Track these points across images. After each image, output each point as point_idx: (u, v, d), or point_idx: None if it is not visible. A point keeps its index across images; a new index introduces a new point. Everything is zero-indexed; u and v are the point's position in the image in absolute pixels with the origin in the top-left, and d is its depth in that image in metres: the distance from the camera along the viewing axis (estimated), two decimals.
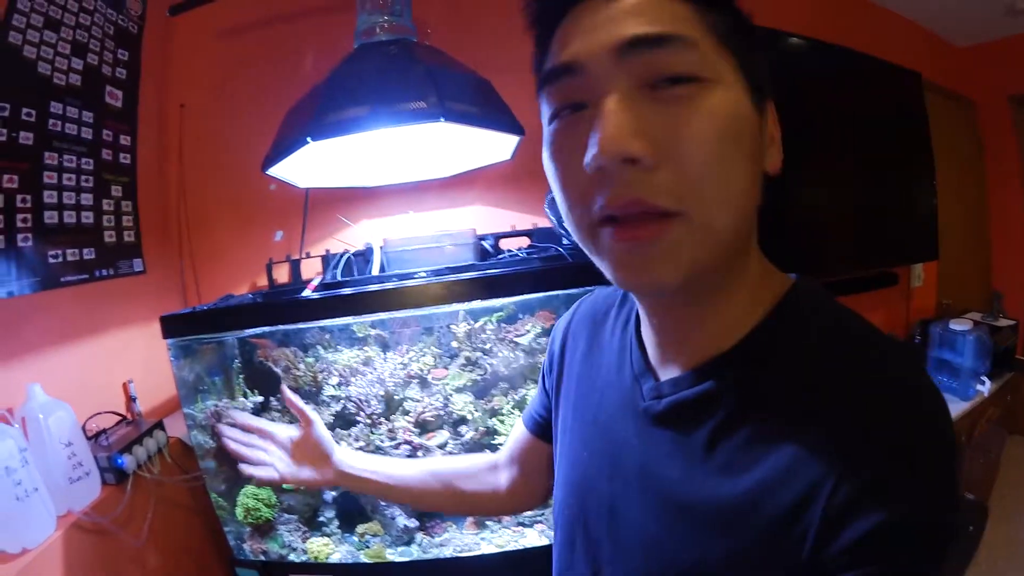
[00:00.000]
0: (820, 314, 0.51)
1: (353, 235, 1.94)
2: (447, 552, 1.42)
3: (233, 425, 0.96)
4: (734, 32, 0.46)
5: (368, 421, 1.42)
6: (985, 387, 2.25)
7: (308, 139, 1.19)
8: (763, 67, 0.49)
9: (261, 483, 0.94)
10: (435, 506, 1.01)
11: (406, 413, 1.43)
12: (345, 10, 1.63)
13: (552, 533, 0.73)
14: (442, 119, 1.17)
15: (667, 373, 0.56)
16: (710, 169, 0.43)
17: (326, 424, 1.38)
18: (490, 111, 1.34)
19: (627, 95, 0.43)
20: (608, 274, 0.49)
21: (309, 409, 0.95)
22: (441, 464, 0.97)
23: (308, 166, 1.48)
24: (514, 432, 0.90)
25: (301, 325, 1.39)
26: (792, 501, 0.43)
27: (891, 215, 2.25)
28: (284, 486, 1.40)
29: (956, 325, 2.32)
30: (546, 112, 0.50)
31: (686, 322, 0.53)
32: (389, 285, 1.32)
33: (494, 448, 1.43)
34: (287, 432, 0.96)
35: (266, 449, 0.95)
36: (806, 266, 0.57)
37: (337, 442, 1.38)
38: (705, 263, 0.45)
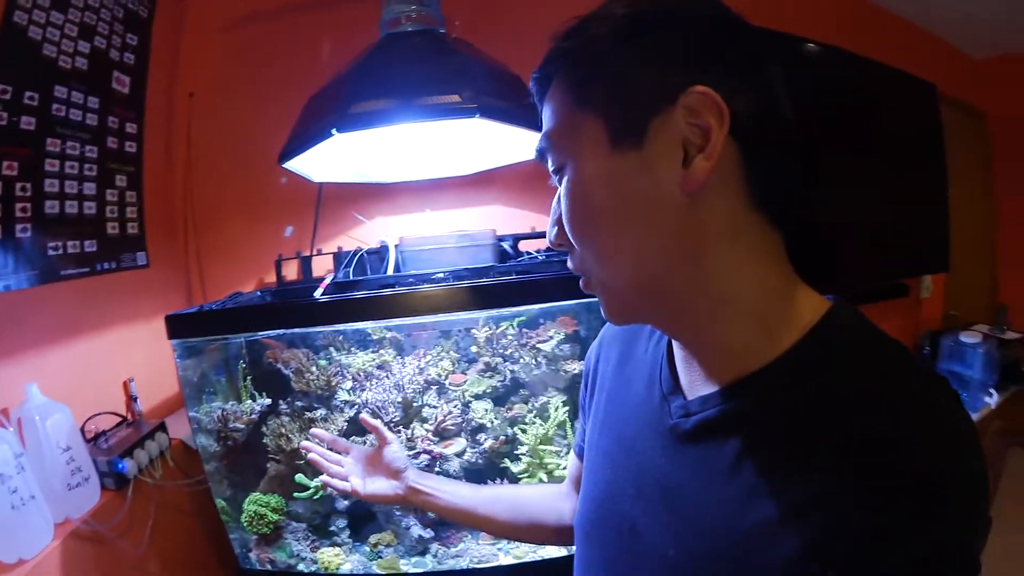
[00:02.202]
0: (855, 340, 0.49)
1: (367, 232, 1.88)
2: (463, 563, 1.38)
3: (314, 438, 1.03)
4: (594, 82, 0.50)
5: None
6: (993, 399, 2.26)
7: (333, 131, 1.14)
8: (646, 83, 0.48)
9: (338, 493, 1.05)
10: (501, 532, 1.00)
11: (424, 421, 1.39)
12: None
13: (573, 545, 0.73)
14: (478, 115, 1.13)
15: (696, 392, 0.55)
16: (583, 242, 0.54)
17: (339, 431, 1.35)
18: (523, 107, 1.29)
19: (555, 188, 0.56)
20: None
21: (384, 428, 0.99)
22: (508, 491, 1.02)
23: (326, 159, 1.43)
24: (569, 460, 0.91)
25: (316, 329, 1.34)
26: (814, 536, 0.42)
27: (905, 227, 2.25)
28: (295, 493, 1.35)
29: (966, 338, 2.32)
30: None
31: (690, 346, 0.55)
32: (408, 288, 1.27)
33: (514, 458, 1.40)
34: (364, 449, 1.02)
35: (342, 463, 0.99)
36: (820, 278, 0.56)
37: None
38: (630, 307, 0.55)
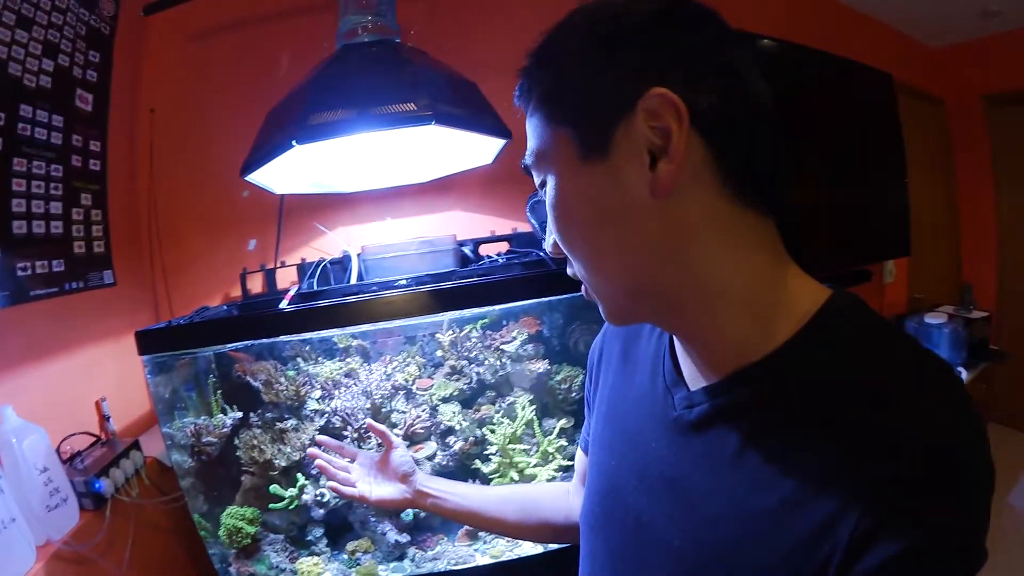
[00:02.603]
0: (855, 328, 0.49)
1: (329, 243, 1.89)
2: (441, 566, 1.38)
3: (319, 445, 1.04)
4: (561, 95, 0.51)
5: (356, 436, 1.38)
6: (962, 377, 2.31)
7: (293, 143, 1.15)
8: (606, 91, 0.48)
9: (345, 498, 1.01)
10: (510, 532, 1.00)
11: (394, 426, 1.40)
12: (321, 11, 1.60)
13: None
14: (433, 122, 1.14)
15: (699, 383, 0.55)
16: (571, 250, 0.55)
17: (312, 441, 1.35)
18: (478, 114, 1.31)
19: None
20: None
21: (390, 432, 1.00)
22: (517, 491, 1.02)
23: (287, 171, 1.43)
24: (577, 456, 0.91)
25: (286, 338, 1.35)
26: (819, 521, 0.42)
27: (864, 214, 2.29)
28: (270, 504, 1.36)
29: (931, 319, 2.38)
30: None
31: (689, 339, 0.56)
32: (374, 295, 1.28)
33: (484, 459, 1.41)
34: (370, 454, 1.02)
35: (349, 469, 0.99)
36: None
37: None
38: (625, 309, 0.56)
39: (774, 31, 1.97)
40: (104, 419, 1.55)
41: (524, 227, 1.81)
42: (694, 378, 0.56)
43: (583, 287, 0.58)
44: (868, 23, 2.67)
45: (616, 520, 0.62)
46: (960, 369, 2.31)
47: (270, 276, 1.75)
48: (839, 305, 0.50)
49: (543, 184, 0.55)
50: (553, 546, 1.40)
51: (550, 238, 0.57)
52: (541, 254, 1.54)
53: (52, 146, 1.44)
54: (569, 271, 0.58)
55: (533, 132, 0.54)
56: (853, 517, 0.41)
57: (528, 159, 0.56)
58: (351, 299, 1.27)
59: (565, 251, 0.56)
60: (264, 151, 1.26)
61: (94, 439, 1.45)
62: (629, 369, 0.68)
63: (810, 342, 0.48)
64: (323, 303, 1.28)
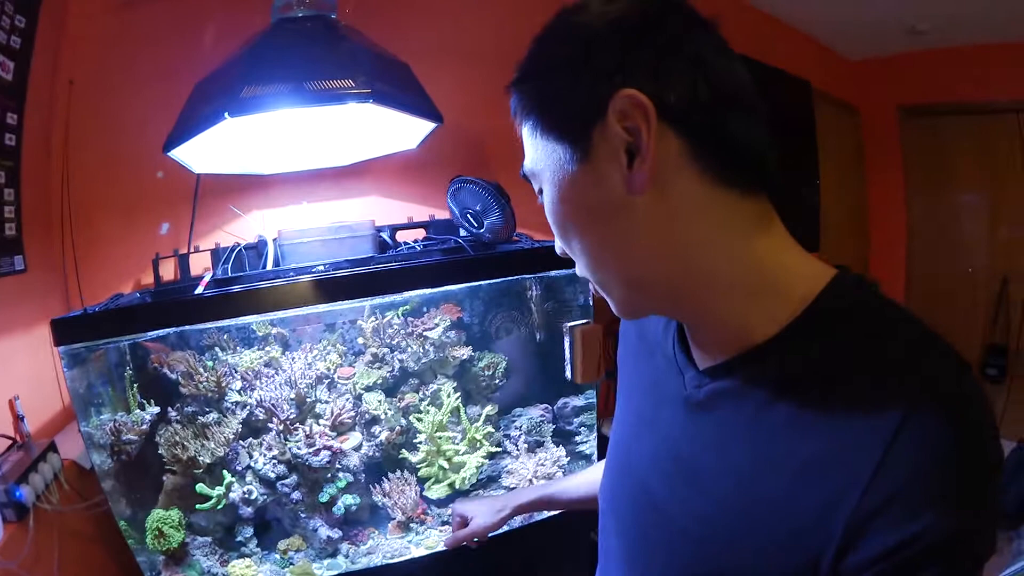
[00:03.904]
0: (862, 311, 0.49)
1: (244, 227, 1.81)
2: (377, 560, 1.36)
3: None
4: (547, 101, 0.52)
5: (281, 428, 1.34)
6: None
7: (226, 114, 1.11)
8: (580, 91, 0.49)
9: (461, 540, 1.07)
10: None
11: (318, 417, 1.37)
12: None
13: None
14: (371, 100, 1.13)
15: (707, 364, 0.56)
16: (574, 251, 0.56)
17: (236, 434, 1.32)
18: (413, 95, 1.31)
19: None
20: None
21: (460, 522, 1.08)
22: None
23: (210, 148, 1.39)
24: None
25: (207, 325, 1.30)
26: (820, 503, 0.43)
27: (777, 210, 2.40)
28: (197, 505, 1.33)
29: None
30: None
31: (694, 325, 0.57)
32: (292, 280, 1.25)
33: (412, 448, 1.41)
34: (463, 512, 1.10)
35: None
36: None
37: (248, 454, 1.31)
38: (638, 303, 0.57)
39: None
40: (18, 419, 1.45)
41: (442, 213, 1.79)
42: (703, 360, 0.56)
43: (591, 285, 0.59)
44: (792, 34, 2.80)
45: (629, 496, 0.64)
46: None
47: (183, 262, 1.67)
48: (844, 285, 0.50)
49: (541, 192, 0.56)
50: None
51: (558, 241, 0.58)
52: (459, 240, 1.54)
53: None
54: (578, 271, 0.59)
55: (527, 143, 0.56)
56: (853, 500, 0.41)
57: (525, 169, 0.57)
58: (272, 283, 1.24)
59: (569, 252, 0.57)
60: (191, 124, 1.22)
61: (10, 442, 1.35)
62: (644, 351, 0.69)
63: (814, 323, 0.48)
64: (244, 287, 1.25)
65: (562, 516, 1.42)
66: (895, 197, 3.33)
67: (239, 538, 1.38)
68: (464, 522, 1.06)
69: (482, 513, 1.05)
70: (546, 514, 1.42)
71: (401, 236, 1.73)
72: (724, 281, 0.50)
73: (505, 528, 1.37)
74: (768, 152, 0.51)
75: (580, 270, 0.58)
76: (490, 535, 1.06)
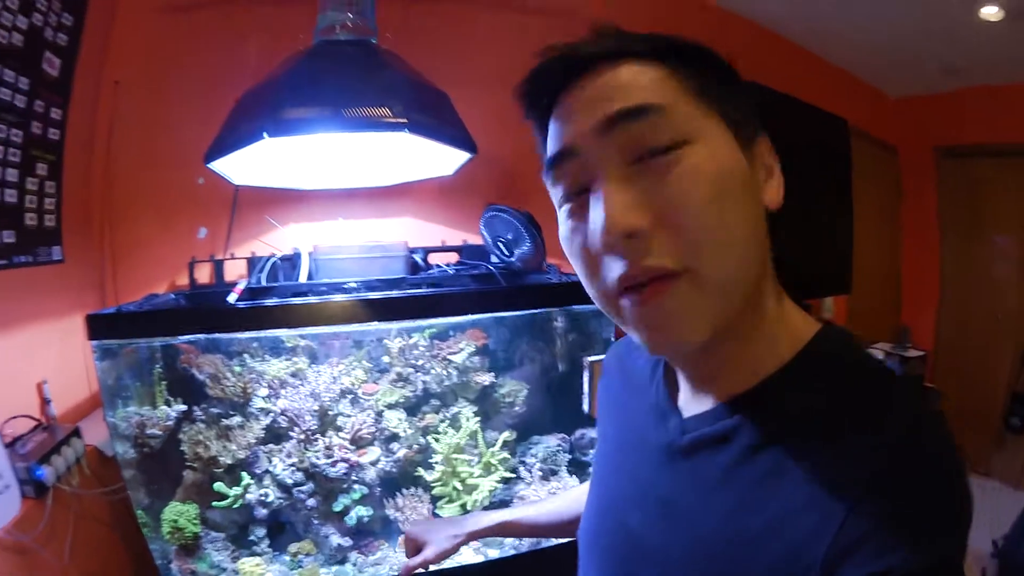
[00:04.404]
0: (845, 361, 0.51)
1: (280, 238, 1.85)
2: (383, 571, 1.39)
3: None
4: (711, 82, 0.49)
5: (302, 437, 1.37)
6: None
7: (265, 134, 1.14)
8: (747, 106, 0.51)
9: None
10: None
11: (339, 429, 1.39)
12: (298, 1, 1.57)
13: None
14: (406, 129, 1.15)
15: (692, 410, 0.56)
16: (706, 226, 0.46)
17: (257, 439, 1.34)
18: (449, 125, 1.33)
19: (619, 173, 0.47)
20: (640, 341, 0.51)
21: (413, 547, 1.00)
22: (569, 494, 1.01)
23: (249, 162, 1.42)
24: None
25: (241, 334, 1.33)
26: (799, 539, 0.43)
27: (809, 250, 2.38)
28: (214, 502, 1.35)
29: None
30: (555, 195, 0.54)
31: (709, 367, 0.54)
32: (324, 298, 1.28)
33: (427, 467, 1.43)
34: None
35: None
36: None
37: (268, 458, 1.33)
38: (723, 314, 0.47)
39: (751, 72, 2.04)
40: (45, 402, 1.49)
41: (474, 239, 1.81)
42: (687, 404, 0.57)
43: (660, 283, 0.46)
44: (829, 69, 2.78)
45: (612, 537, 0.63)
46: None
47: (219, 267, 1.71)
48: (829, 338, 0.52)
49: (676, 144, 0.46)
50: (493, 553, 1.43)
51: (637, 211, 0.45)
52: (490, 267, 1.55)
53: (15, 109, 1.36)
54: (654, 260, 0.45)
55: (661, 89, 0.47)
56: (830, 535, 0.42)
57: (645, 109, 0.46)
58: (303, 301, 1.27)
59: (696, 223, 0.45)
60: (232, 139, 1.25)
61: (35, 423, 1.39)
62: (628, 392, 0.69)
63: (798, 373, 0.50)
64: (277, 303, 1.28)
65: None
66: (929, 239, 3.27)
67: (251, 537, 1.40)
68: (418, 548, 1.01)
69: (436, 539, 1.00)
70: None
71: (434, 258, 1.75)
72: (766, 322, 0.52)
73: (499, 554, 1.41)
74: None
75: (673, 254, 0.45)
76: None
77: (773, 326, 0.52)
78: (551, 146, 0.52)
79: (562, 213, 0.53)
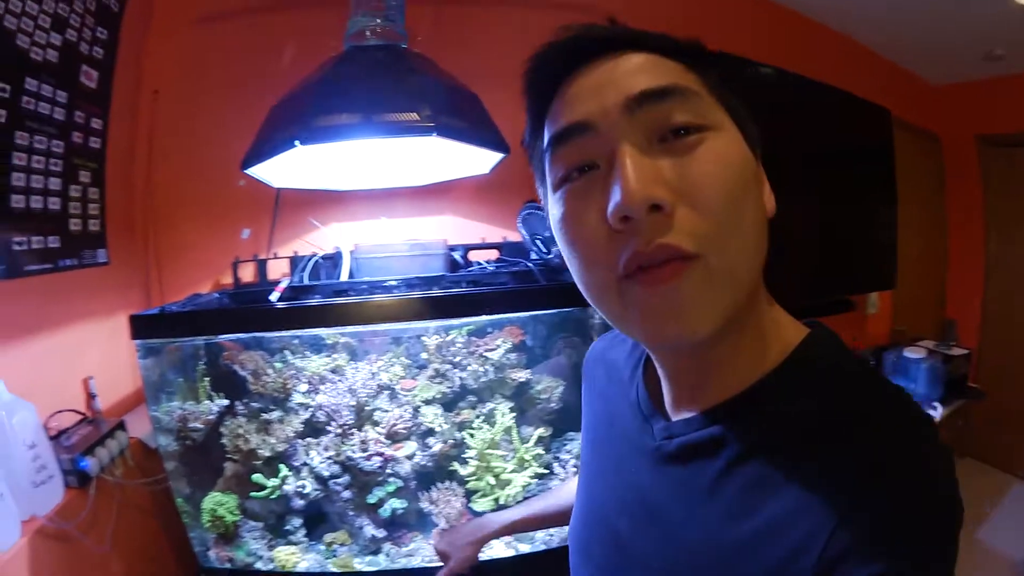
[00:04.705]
0: (833, 366, 0.50)
1: (322, 237, 1.90)
2: (415, 562, 1.41)
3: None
4: (724, 86, 0.50)
5: (339, 431, 1.40)
6: (937, 413, 2.34)
7: (297, 143, 1.17)
8: (750, 117, 0.52)
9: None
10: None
11: (376, 424, 1.42)
12: (329, 6, 1.60)
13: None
14: (434, 133, 1.17)
15: (680, 415, 0.56)
16: (725, 211, 0.45)
17: (296, 433, 1.38)
18: (478, 127, 1.34)
19: (641, 148, 0.46)
20: (637, 331, 0.49)
21: (447, 571, 1.06)
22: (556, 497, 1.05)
23: (286, 167, 1.46)
24: None
25: (281, 333, 1.36)
26: (788, 549, 0.43)
27: (853, 244, 2.32)
28: (251, 493, 1.40)
29: (910, 353, 2.40)
30: (553, 176, 0.52)
31: (699, 370, 0.53)
32: (364, 297, 1.31)
33: (462, 461, 1.45)
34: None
35: None
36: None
37: (306, 452, 1.37)
38: (731, 306, 0.46)
39: (772, 58, 2.00)
40: (90, 397, 1.56)
41: (514, 236, 1.83)
42: (673, 409, 0.57)
43: (674, 264, 0.44)
44: (869, 56, 2.71)
45: (600, 542, 0.63)
46: (935, 404, 2.34)
47: (262, 266, 1.77)
48: (817, 343, 0.52)
49: (698, 127, 0.46)
50: (525, 548, 1.45)
51: (656, 185, 0.44)
52: (528, 264, 1.56)
53: (54, 121, 1.43)
54: (666, 236, 0.44)
55: (683, 77, 0.48)
56: (819, 545, 0.41)
57: (673, 91, 0.47)
58: (343, 300, 1.30)
59: (712, 207, 0.45)
60: (266, 147, 1.28)
61: (80, 417, 1.46)
62: (611, 394, 0.68)
63: (786, 379, 0.49)
64: (316, 303, 1.31)
65: None
66: (974, 231, 3.19)
67: (288, 527, 1.45)
68: (445, 557, 1.07)
69: (457, 548, 1.06)
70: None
71: (474, 256, 1.78)
72: (757, 326, 0.51)
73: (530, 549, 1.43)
74: None
75: (690, 236, 0.44)
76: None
77: (763, 331, 0.52)
78: (559, 121, 0.50)
79: (557, 195, 0.51)
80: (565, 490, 1.01)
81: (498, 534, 1.06)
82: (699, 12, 1.93)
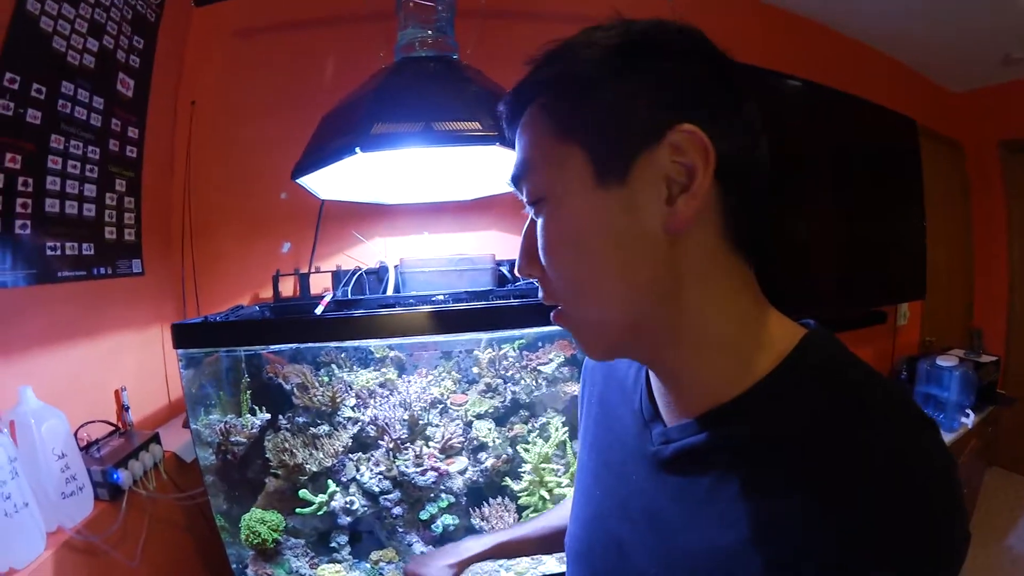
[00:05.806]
0: (830, 368, 0.49)
1: (364, 252, 1.88)
2: None
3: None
4: (584, 109, 0.49)
5: (392, 446, 1.37)
6: (969, 420, 2.34)
7: (357, 149, 1.15)
8: (638, 115, 0.47)
9: None
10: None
11: (428, 439, 1.39)
12: (371, 20, 1.59)
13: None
14: (498, 143, 1.15)
15: (675, 419, 0.56)
16: (567, 277, 0.52)
17: (345, 447, 1.34)
18: None
19: (528, 219, 0.55)
20: None
21: None
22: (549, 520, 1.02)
23: (338, 178, 1.43)
24: None
25: (321, 345, 1.33)
26: (786, 555, 0.43)
27: (883, 256, 2.32)
28: (297, 509, 1.36)
29: (943, 361, 2.40)
30: None
31: (668, 377, 0.56)
32: (412, 308, 1.28)
33: (515, 476, 1.42)
34: None
35: None
36: (796, 305, 0.58)
37: (356, 467, 1.33)
38: (611, 336, 0.53)
39: (799, 70, 2.00)
40: (123, 409, 1.53)
41: None
42: (670, 413, 0.57)
43: (554, 313, 0.56)
44: (890, 64, 2.72)
45: (599, 547, 0.63)
46: (968, 412, 2.34)
47: (303, 280, 1.75)
48: (812, 348, 0.50)
49: (536, 201, 0.52)
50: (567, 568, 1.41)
51: (524, 259, 0.55)
52: None
53: (91, 127, 1.42)
54: (542, 296, 0.56)
55: (533, 144, 0.52)
56: (817, 555, 0.41)
57: (520, 171, 0.53)
58: (392, 311, 1.27)
59: (553, 275, 0.53)
60: (322, 155, 1.26)
61: (112, 428, 1.43)
62: (611, 401, 0.68)
63: (781, 382, 0.49)
64: (365, 313, 1.28)
65: None
66: (998, 238, 3.18)
67: (332, 544, 1.41)
68: None
69: (435, 570, 1.01)
70: None
71: None
72: (717, 341, 0.51)
73: None
74: (769, 229, 0.53)
75: (554, 297, 0.55)
76: None
77: (733, 343, 0.51)
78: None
79: None
80: (553, 514, 0.99)
81: (479, 558, 1.01)
82: (733, 28, 1.93)
